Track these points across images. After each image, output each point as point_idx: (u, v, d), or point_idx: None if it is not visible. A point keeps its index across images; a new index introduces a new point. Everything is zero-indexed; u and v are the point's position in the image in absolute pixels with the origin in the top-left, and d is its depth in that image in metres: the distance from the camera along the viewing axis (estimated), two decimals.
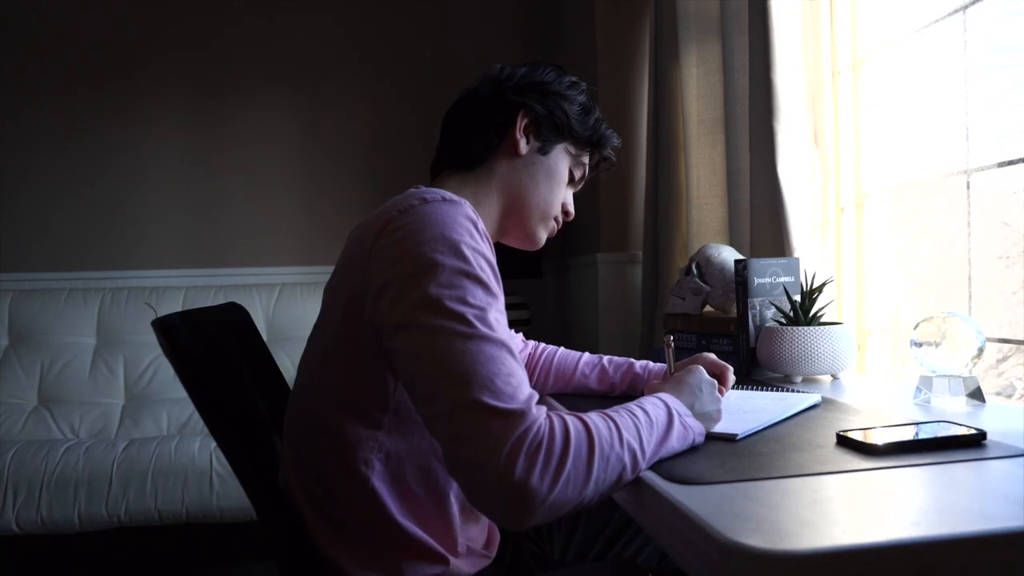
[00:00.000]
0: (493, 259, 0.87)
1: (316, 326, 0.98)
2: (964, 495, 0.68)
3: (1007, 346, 1.39)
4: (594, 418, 0.78)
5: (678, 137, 2.17)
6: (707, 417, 0.92)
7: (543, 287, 3.21)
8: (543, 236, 1.16)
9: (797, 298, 1.42)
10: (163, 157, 3.00)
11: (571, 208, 1.18)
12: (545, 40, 3.23)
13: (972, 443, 0.83)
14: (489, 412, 0.73)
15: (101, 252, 2.98)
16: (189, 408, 2.52)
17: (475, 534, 0.99)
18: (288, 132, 3.08)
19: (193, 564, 2.27)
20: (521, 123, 1.08)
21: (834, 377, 1.39)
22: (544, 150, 1.10)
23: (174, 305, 2.73)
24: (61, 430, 2.50)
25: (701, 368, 0.97)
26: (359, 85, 3.12)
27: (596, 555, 1.28)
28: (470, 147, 1.10)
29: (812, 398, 1.12)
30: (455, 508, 0.94)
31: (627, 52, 2.53)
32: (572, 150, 1.13)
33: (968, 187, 1.43)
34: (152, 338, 1.27)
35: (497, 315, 0.82)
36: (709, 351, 1.58)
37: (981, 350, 1.08)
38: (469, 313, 0.78)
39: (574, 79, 1.15)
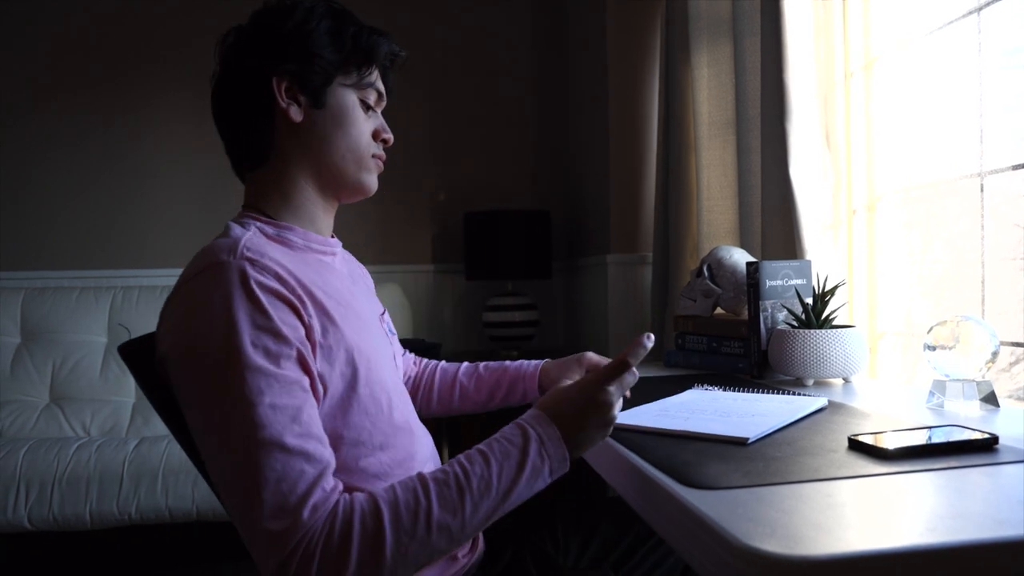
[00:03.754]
0: (276, 314, 0.81)
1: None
2: (978, 500, 0.67)
3: (1021, 349, 1.39)
4: (398, 500, 0.75)
5: (689, 138, 2.17)
6: (591, 438, 0.85)
7: (552, 288, 3.21)
8: (371, 180, 1.05)
9: (809, 301, 1.41)
10: (173, 154, 3.02)
11: (387, 133, 1.07)
12: (555, 41, 3.22)
13: (985, 448, 0.83)
14: (257, 532, 0.74)
15: (112, 250, 2.99)
16: None
17: None
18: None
19: (203, 561, 2.28)
20: (280, 91, 0.96)
21: (846, 380, 1.38)
22: (318, 102, 0.98)
23: None
24: (73, 428, 2.52)
25: (612, 395, 0.86)
26: None
27: (612, 565, 1.23)
28: (248, 145, 0.99)
29: (819, 401, 1.12)
30: None
31: (638, 53, 2.53)
32: (348, 81, 1.00)
33: (982, 190, 1.43)
34: None
35: (281, 391, 0.78)
36: (720, 353, 1.59)
37: (995, 354, 1.07)
38: (241, 411, 0.76)
39: (305, 5, 0.99)
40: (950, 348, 1.10)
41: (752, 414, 1.04)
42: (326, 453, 0.79)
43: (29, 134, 2.95)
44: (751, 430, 0.93)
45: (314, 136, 0.99)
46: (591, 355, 1.27)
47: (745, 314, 1.53)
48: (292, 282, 0.85)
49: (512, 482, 0.79)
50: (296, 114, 0.97)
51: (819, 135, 1.70)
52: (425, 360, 1.38)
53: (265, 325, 0.80)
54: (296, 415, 0.78)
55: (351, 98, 1.01)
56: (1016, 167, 1.36)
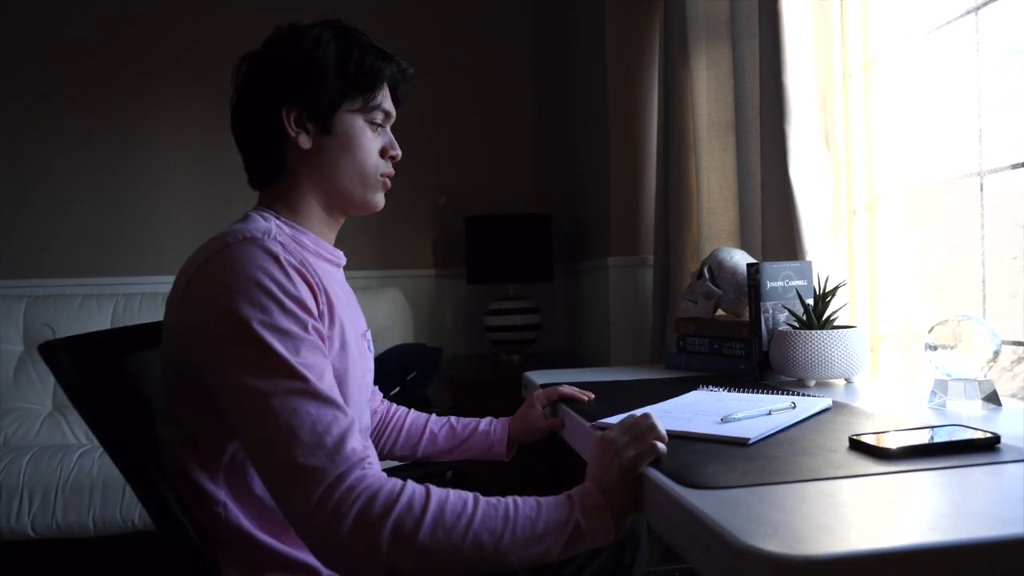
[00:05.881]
0: (301, 289, 0.90)
1: (161, 345, 0.98)
2: (980, 499, 0.67)
3: (1022, 348, 1.39)
4: (447, 499, 0.81)
5: (688, 140, 2.17)
6: (642, 456, 0.85)
7: (553, 291, 3.21)
8: (378, 198, 1.11)
9: (810, 302, 1.41)
10: (176, 162, 3.03)
11: (394, 150, 1.11)
12: (554, 45, 3.23)
13: (986, 447, 0.83)
14: (295, 471, 0.79)
15: (114, 258, 3.00)
16: None
17: None
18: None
19: None
20: (289, 120, 1.01)
21: (847, 381, 1.38)
22: (326, 129, 1.03)
23: None
24: (76, 435, 2.52)
25: (609, 432, 0.90)
26: None
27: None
28: (261, 165, 1.06)
29: (823, 402, 1.12)
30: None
31: (637, 56, 2.53)
32: (354, 107, 1.04)
33: (981, 189, 1.43)
34: None
35: (308, 352, 0.86)
36: (721, 355, 1.59)
37: (997, 353, 1.07)
38: (274, 369, 0.83)
39: (313, 34, 1.03)
40: (951, 348, 1.09)
41: (755, 415, 1.04)
42: (348, 409, 0.86)
43: (32, 141, 2.96)
44: (752, 430, 0.93)
45: (323, 160, 1.04)
46: (537, 393, 1.35)
47: (746, 315, 1.53)
48: (312, 272, 0.93)
49: (552, 531, 0.81)
50: (305, 142, 1.02)
51: (818, 136, 1.70)
52: (394, 406, 1.41)
53: (295, 295, 0.88)
54: (322, 374, 0.86)
55: (358, 122, 1.05)
56: (1016, 166, 1.36)
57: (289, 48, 1.02)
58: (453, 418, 1.38)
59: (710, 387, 1.32)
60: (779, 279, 1.48)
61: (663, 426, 0.89)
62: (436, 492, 0.82)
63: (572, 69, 3.10)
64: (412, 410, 1.40)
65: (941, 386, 1.11)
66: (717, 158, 2.06)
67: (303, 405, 0.82)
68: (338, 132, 1.03)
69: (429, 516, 0.79)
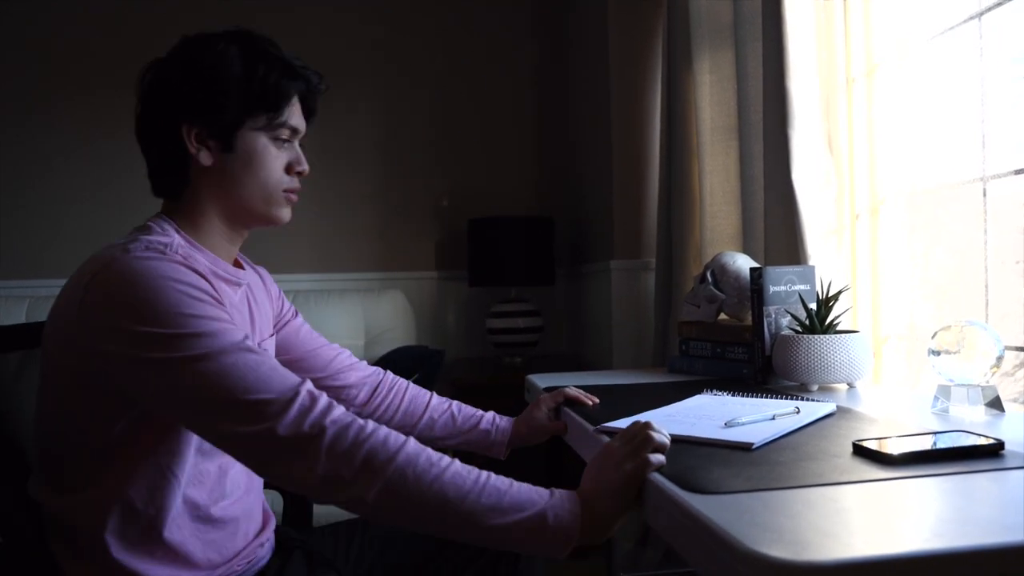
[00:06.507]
0: (206, 286, 0.90)
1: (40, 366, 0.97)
2: (984, 506, 0.67)
3: None
4: (423, 450, 0.84)
5: (691, 144, 2.17)
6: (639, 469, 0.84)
7: (556, 294, 3.21)
8: (281, 213, 1.08)
9: (813, 306, 1.41)
10: None
11: (300, 166, 1.08)
12: (557, 48, 3.23)
13: (990, 453, 0.83)
14: (263, 404, 0.82)
15: None
16: None
17: (197, 549, 0.98)
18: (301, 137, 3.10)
19: None
20: (190, 137, 0.99)
21: (850, 386, 1.38)
22: (228, 146, 1.01)
23: None
24: None
25: (609, 443, 0.89)
26: (374, 90, 3.14)
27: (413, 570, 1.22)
28: (162, 177, 1.04)
29: (826, 407, 1.12)
30: (172, 533, 0.95)
31: (640, 59, 2.53)
32: (257, 124, 1.01)
33: (985, 194, 1.43)
34: None
35: (230, 326, 0.88)
36: (724, 359, 1.59)
37: (1000, 359, 1.07)
38: (203, 341, 0.84)
39: (218, 49, 1.01)
40: (955, 353, 1.09)
41: (758, 419, 1.04)
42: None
43: (32, 141, 2.96)
44: (756, 435, 0.93)
45: (225, 177, 1.02)
46: (544, 396, 1.35)
47: (749, 320, 1.53)
48: (214, 292, 0.93)
49: (517, 509, 0.81)
50: (206, 159, 1.01)
51: (821, 140, 1.70)
52: (391, 374, 1.39)
53: (204, 287, 0.89)
54: (249, 341, 0.88)
55: (261, 140, 1.03)
56: (1019, 171, 1.36)
57: (192, 63, 1.00)
58: (455, 405, 1.36)
59: (714, 391, 1.32)
60: (782, 283, 1.48)
61: (666, 433, 0.88)
62: (414, 441, 0.84)
63: (575, 72, 3.10)
64: (412, 384, 1.38)
65: (944, 391, 1.11)
66: (720, 162, 2.06)
67: (243, 357, 0.84)
68: (240, 150, 1.01)
69: (403, 454, 0.81)
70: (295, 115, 1.06)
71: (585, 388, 1.35)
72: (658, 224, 2.30)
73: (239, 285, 1.10)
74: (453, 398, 1.40)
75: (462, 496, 0.81)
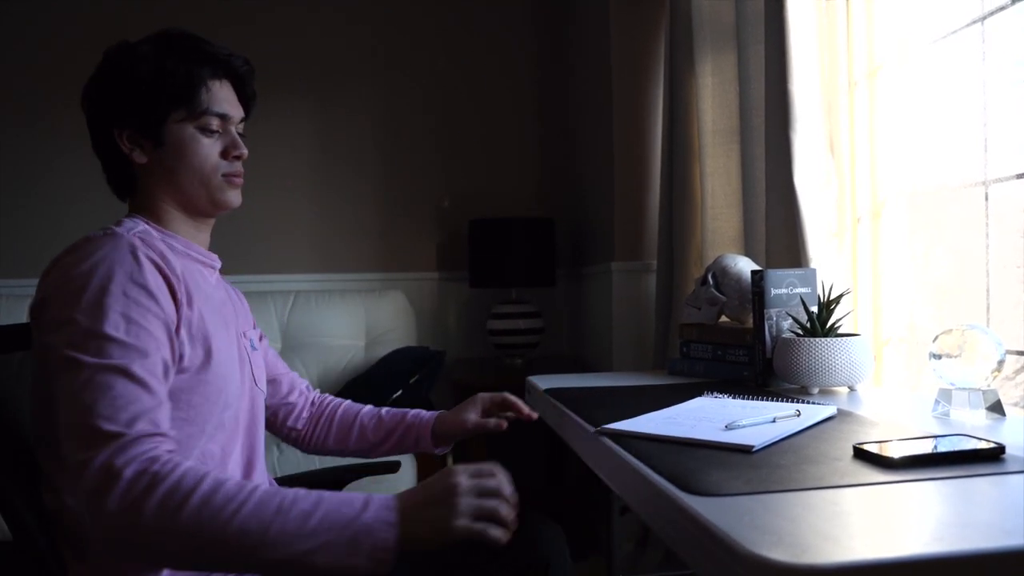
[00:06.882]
0: (150, 277, 0.93)
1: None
2: (985, 510, 0.67)
3: None
4: (222, 484, 0.80)
5: (693, 146, 2.17)
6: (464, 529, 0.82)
7: (557, 295, 3.21)
8: (228, 196, 1.11)
9: (814, 309, 1.41)
10: None
11: (239, 150, 1.10)
12: (559, 50, 3.23)
13: (991, 457, 0.83)
14: (86, 432, 0.82)
15: None
16: None
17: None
18: (303, 138, 3.10)
19: None
20: (122, 140, 1.06)
21: (851, 389, 1.38)
22: (159, 142, 1.05)
23: None
24: None
25: (459, 474, 0.85)
26: (374, 91, 3.14)
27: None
28: (115, 182, 1.11)
29: (827, 410, 1.12)
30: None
31: (642, 61, 2.53)
32: (179, 116, 1.05)
33: (986, 198, 1.43)
34: None
35: (137, 333, 0.89)
36: (725, 361, 1.59)
37: (1001, 363, 1.07)
38: (100, 342, 0.87)
39: (134, 52, 1.07)
40: (956, 357, 1.09)
41: (759, 422, 1.04)
42: (163, 395, 0.89)
43: (33, 141, 2.96)
44: (756, 438, 0.93)
45: (163, 171, 1.07)
46: (482, 395, 1.36)
47: (750, 322, 1.53)
48: (171, 267, 0.97)
49: (327, 533, 0.79)
50: (140, 157, 1.06)
51: (823, 143, 1.70)
52: (329, 397, 1.41)
53: (141, 281, 0.92)
54: (145, 356, 0.88)
55: (188, 131, 1.06)
56: (1021, 175, 1.36)
57: (111, 69, 1.06)
58: (384, 409, 1.38)
59: (714, 394, 1.32)
60: (783, 286, 1.48)
61: (514, 499, 0.86)
62: (215, 476, 0.81)
63: (577, 74, 3.10)
64: (346, 401, 1.40)
65: (945, 395, 1.11)
66: (721, 164, 2.06)
67: (114, 380, 0.84)
68: (170, 144, 1.06)
69: (198, 496, 0.78)
70: (219, 102, 1.08)
71: (585, 389, 1.35)
72: (659, 226, 2.30)
73: (214, 268, 1.14)
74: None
75: (264, 527, 0.78)
